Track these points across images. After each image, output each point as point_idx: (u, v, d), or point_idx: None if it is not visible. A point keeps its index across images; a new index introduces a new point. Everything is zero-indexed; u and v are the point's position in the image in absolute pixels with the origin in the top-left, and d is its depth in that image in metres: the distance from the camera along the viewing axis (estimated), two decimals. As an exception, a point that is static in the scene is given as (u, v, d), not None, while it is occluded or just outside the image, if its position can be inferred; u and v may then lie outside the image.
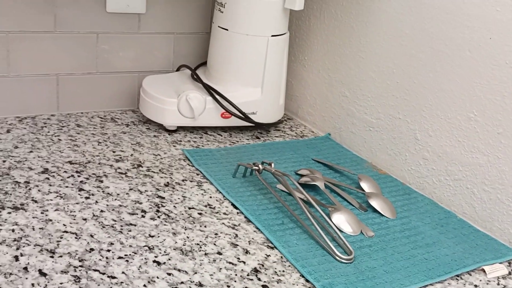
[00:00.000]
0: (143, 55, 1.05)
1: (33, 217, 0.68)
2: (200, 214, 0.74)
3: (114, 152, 0.89)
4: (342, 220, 0.75)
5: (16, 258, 0.60)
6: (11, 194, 0.72)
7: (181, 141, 0.97)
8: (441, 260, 0.70)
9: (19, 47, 0.93)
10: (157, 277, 0.60)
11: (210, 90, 0.98)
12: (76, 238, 0.65)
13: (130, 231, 0.68)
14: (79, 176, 0.80)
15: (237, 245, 0.68)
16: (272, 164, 0.82)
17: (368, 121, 0.98)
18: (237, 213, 0.76)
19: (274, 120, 1.05)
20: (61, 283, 0.57)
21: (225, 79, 1.01)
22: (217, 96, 0.98)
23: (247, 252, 0.67)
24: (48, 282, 0.57)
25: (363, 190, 0.85)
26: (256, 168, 0.82)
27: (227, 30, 0.98)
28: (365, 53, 0.97)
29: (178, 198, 0.77)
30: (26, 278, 0.57)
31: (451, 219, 0.80)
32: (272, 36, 0.98)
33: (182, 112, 0.97)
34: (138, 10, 1.01)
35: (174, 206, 0.75)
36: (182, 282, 0.60)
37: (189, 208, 0.75)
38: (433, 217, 0.81)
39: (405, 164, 0.91)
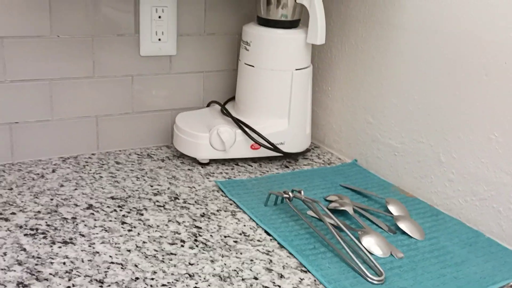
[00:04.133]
0: (175, 94, 1.12)
1: (82, 250, 0.73)
2: (235, 242, 0.78)
3: (152, 186, 0.94)
4: (371, 243, 0.78)
5: (69, 288, 0.65)
6: (60, 230, 0.78)
7: (213, 173, 1.01)
8: (471, 278, 0.72)
9: (61, 92, 1.00)
10: (199, 302, 0.64)
11: (239, 123, 1.03)
12: (122, 268, 0.70)
13: (171, 260, 0.73)
14: (121, 210, 0.85)
15: (272, 270, 0.72)
16: (302, 192, 0.86)
17: (392, 146, 1.01)
18: (270, 239, 0.80)
19: (302, 149, 1.09)
20: (111, 310, 0.62)
21: (253, 112, 1.06)
22: (246, 129, 1.03)
23: (281, 276, 0.71)
24: (99, 309, 0.62)
25: (391, 213, 0.88)
26: (287, 196, 0.86)
27: (253, 66, 1.04)
28: (387, 81, 1.01)
29: (214, 228, 0.82)
30: (79, 307, 0.62)
31: (479, 238, 0.82)
32: (296, 69, 1.04)
33: (214, 146, 1.02)
34: (169, 53, 1.08)
35: (211, 235, 0.80)
36: (222, 306, 0.64)
37: (225, 237, 0.80)
38: (461, 236, 0.83)
39: (431, 186, 0.94)
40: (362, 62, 1.06)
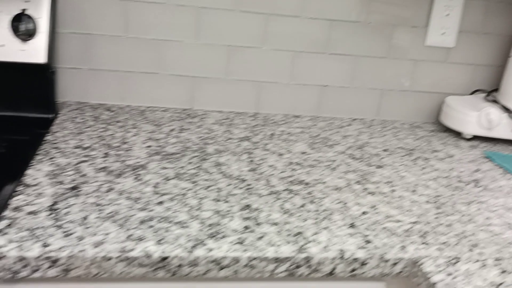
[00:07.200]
0: (444, 80, 1.33)
1: (393, 173, 0.99)
2: None
3: (430, 147, 1.17)
4: None
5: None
6: (367, 160, 1.05)
7: (478, 146, 1.20)
8: None
9: (362, 67, 1.29)
10: None
11: (507, 108, 1.21)
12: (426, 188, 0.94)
13: (461, 194, 0.94)
14: (408, 157, 1.10)
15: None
16: None
17: None
18: (542, 195, 0.97)
19: (560, 140, 1.22)
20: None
21: (518, 101, 1.23)
22: (512, 114, 1.20)
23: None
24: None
25: None
26: (557, 165, 1.01)
27: (526, 61, 1.20)
28: None
29: (490, 182, 1.01)
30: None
31: None
32: None
33: (482, 124, 1.21)
34: (449, 45, 1.30)
35: (488, 185, 0.99)
36: None
37: (501, 186, 0.99)
38: None
39: None
40: None
